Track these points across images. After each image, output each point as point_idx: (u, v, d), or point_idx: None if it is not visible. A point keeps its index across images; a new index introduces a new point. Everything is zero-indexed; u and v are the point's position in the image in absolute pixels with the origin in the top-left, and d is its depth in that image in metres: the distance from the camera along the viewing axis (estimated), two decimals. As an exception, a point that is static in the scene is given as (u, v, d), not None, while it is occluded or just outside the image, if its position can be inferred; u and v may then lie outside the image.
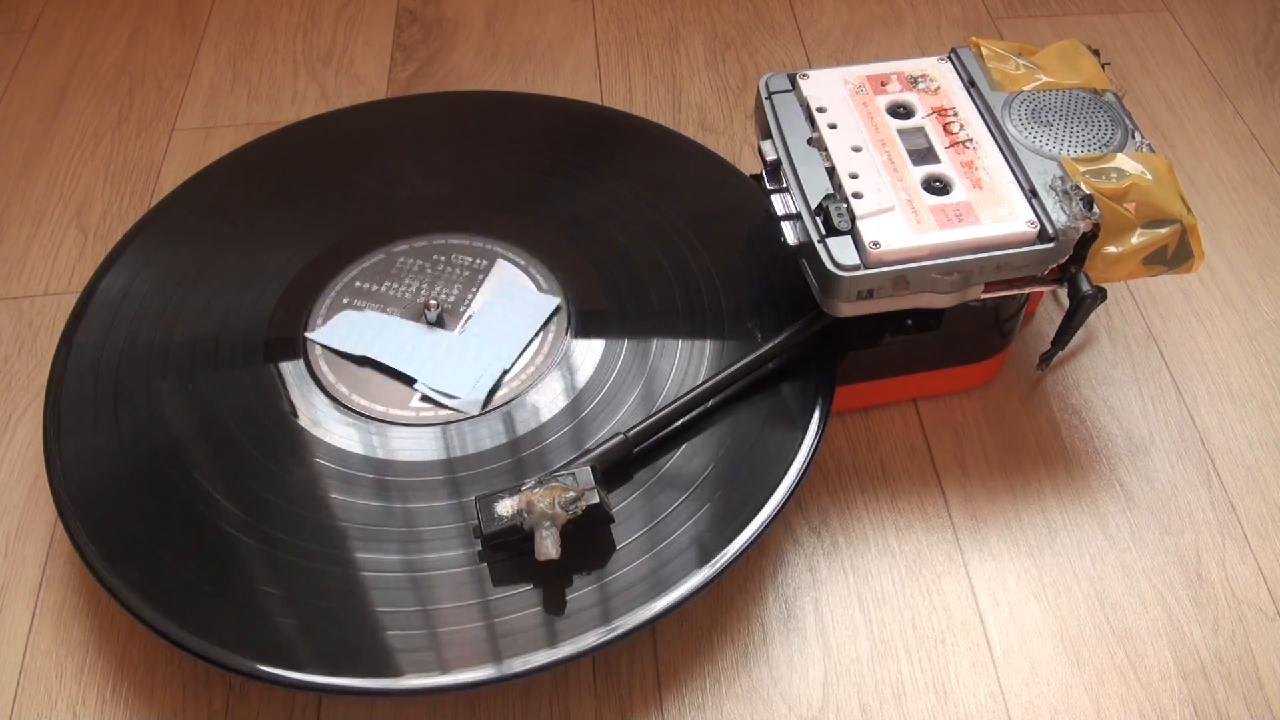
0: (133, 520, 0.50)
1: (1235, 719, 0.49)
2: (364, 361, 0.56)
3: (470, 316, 0.57)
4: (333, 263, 0.60)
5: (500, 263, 0.59)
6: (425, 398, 0.54)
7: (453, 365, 0.55)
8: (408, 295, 0.59)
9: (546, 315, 0.57)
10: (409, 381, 0.55)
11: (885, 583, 0.53)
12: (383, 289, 0.59)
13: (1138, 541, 0.55)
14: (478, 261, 0.60)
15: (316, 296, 0.59)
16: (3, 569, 0.54)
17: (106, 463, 0.52)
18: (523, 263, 0.60)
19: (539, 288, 0.59)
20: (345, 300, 0.58)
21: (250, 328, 0.57)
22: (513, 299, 0.58)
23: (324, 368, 0.56)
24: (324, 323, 0.57)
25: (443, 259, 0.60)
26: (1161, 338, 0.64)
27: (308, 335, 0.56)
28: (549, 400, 0.54)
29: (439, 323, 0.57)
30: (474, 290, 0.59)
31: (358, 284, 0.59)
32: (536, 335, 0.56)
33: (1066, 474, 0.57)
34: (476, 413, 0.54)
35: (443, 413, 0.54)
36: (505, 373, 0.55)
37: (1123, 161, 0.52)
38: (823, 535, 0.55)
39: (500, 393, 0.55)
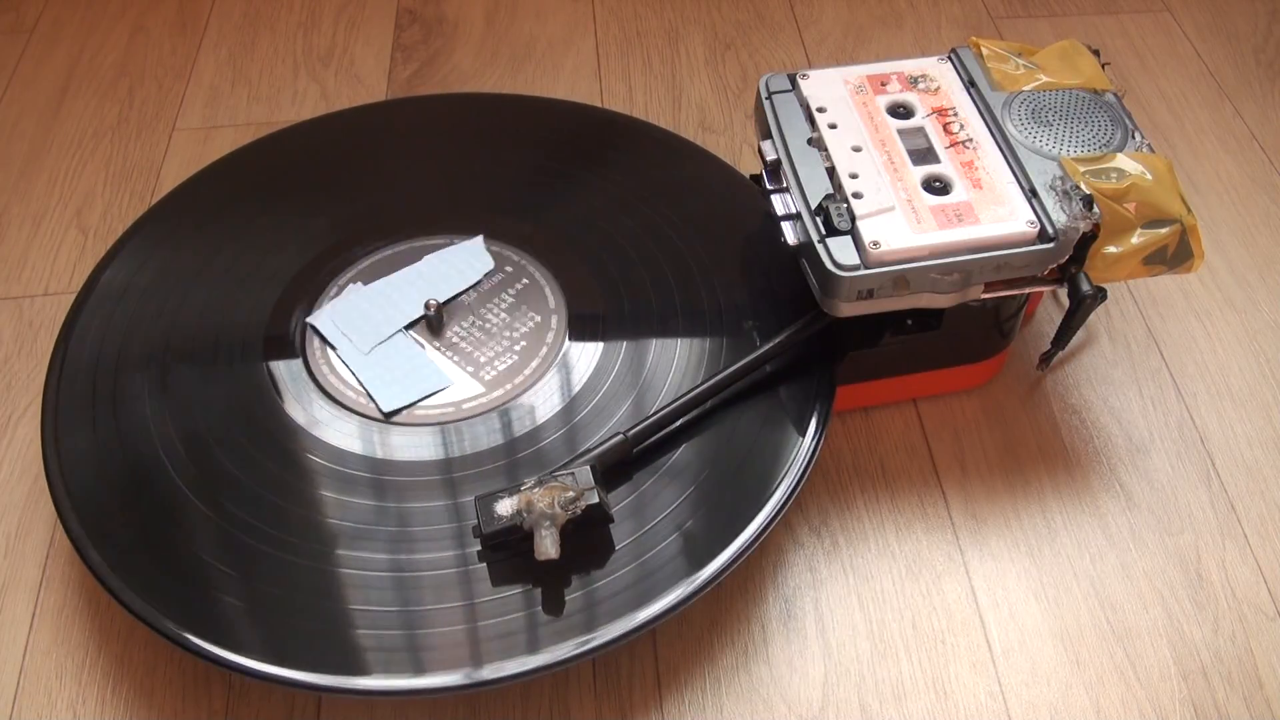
0: (133, 520, 0.50)
1: (1235, 719, 0.49)
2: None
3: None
4: (331, 263, 0.60)
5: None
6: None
7: (399, 373, 0.55)
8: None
9: (482, 253, 0.59)
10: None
11: (885, 583, 0.53)
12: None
13: (1138, 541, 0.55)
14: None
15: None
16: (3, 569, 0.54)
17: (106, 463, 0.52)
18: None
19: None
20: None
21: (249, 327, 0.57)
22: (446, 260, 0.59)
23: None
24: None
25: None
26: (1161, 338, 0.64)
27: (309, 320, 0.57)
28: (547, 400, 0.54)
29: (439, 322, 0.57)
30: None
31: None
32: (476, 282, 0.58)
33: (1066, 474, 0.57)
34: (386, 409, 0.54)
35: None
36: (429, 396, 0.55)
37: (1123, 161, 0.52)
38: (823, 535, 0.55)
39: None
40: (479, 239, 0.60)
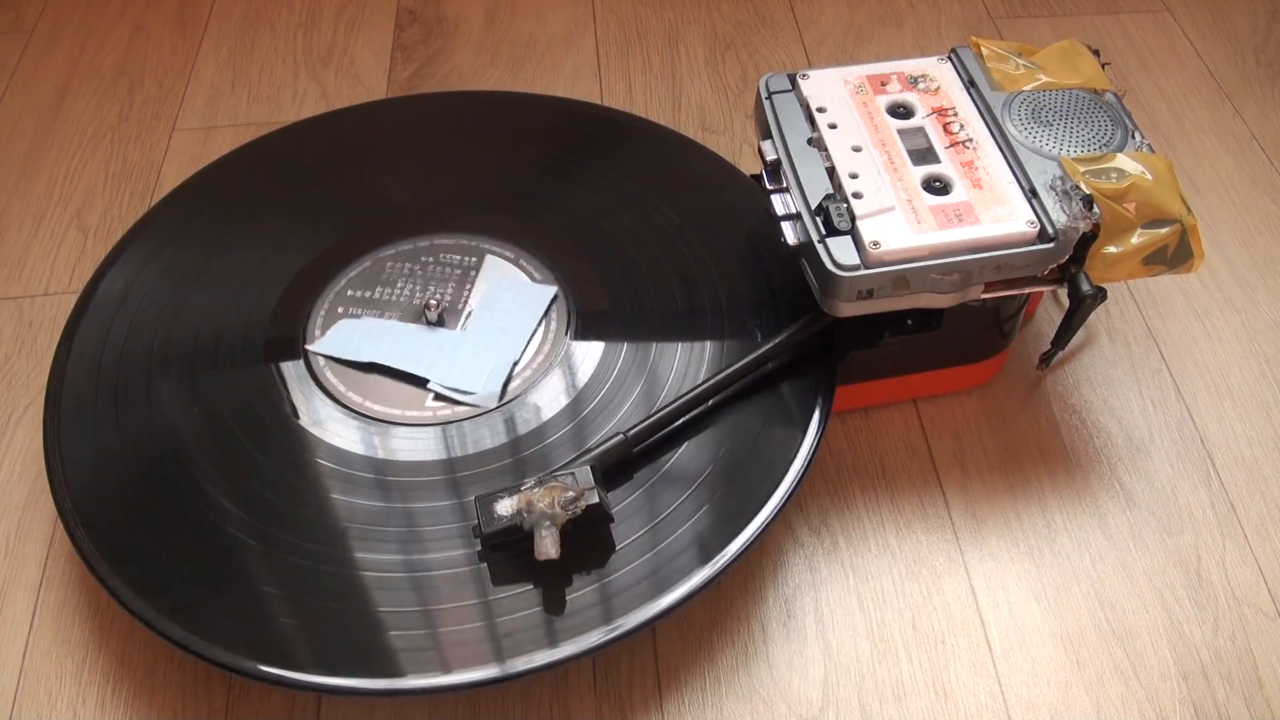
0: (133, 520, 0.50)
1: (1235, 719, 0.49)
2: (369, 366, 0.56)
3: (470, 313, 0.57)
4: (334, 262, 0.60)
5: (490, 258, 0.59)
6: (439, 396, 0.54)
7: (463, 362, 0.55)
8: (407, 296, 0.59)
9: (546, 304, 0.57)
10: (420, 382, 0.55)
11: (885, 583, 0.53)
12: (383, 290, 0.59)
13: (1138, 541, 0.55)
14: (476, 260, 0.60)
15: (318, 296, 0.59)
16: (3, 569, 0.54)
17: (106, 462, 0.52)
18: (513, 256, 0.60)
19: (532, 279, 0.59)
20: (349, 292, 0.58)
21: (250, 327, 0.57)
22: (509, 291, 0.58)
23: (323, 367, 0.56)
24: (322, 333, 0.57)
25: (442, 259, 0.60)
26: (1161, 338, 0.64)
27: (309, 348, 0.56)
28: (549, 400, 0.54)
29: (439, 322, 0.57)
30: (468, 288, 0.59)
31: (359, 285, 0.59)
32: (539, 324, 0.56)
33: (1066, 474, 0.57)
34: (494, 405, 0.54)
35: (442, 413, 0.54)
36: (515, 364, 0.55)
37: (1123, 161, 0.52)
38: (823, 535, 0.55)
39: (512, 385, 0.55)
40: (552, 289, 0.58)
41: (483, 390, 0.54)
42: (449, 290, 0.59)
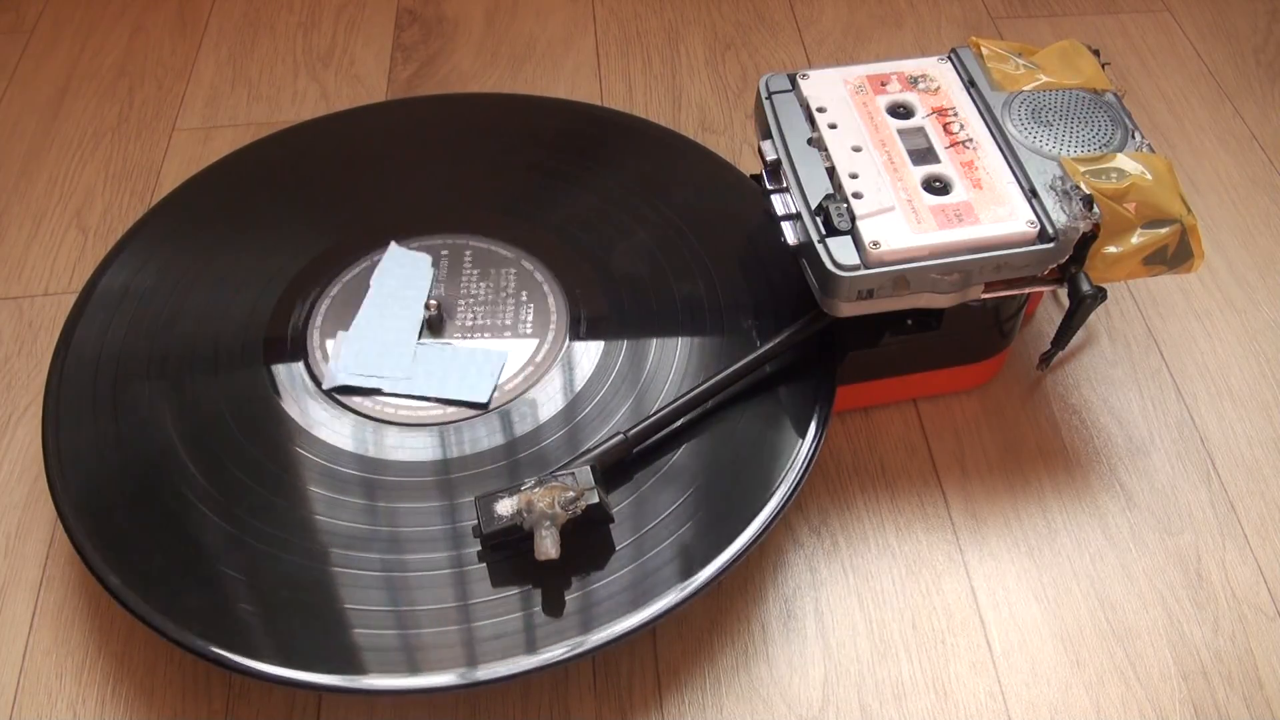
0: (133, 520, 0.50)
1: (1235, 719, 0.49)
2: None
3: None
4: (332, 263, 0.60)
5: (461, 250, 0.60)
6: (440, 399, 0.55)
7: (459, 372, 0.55)
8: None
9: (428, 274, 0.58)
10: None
11: (885, 583, 0.53)
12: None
13: (1138, 541, 0.55)
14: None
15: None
16: (3, 569, 0.54)
17: (106, 463, 0.52)
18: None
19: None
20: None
21: (249, 328, 0.57)
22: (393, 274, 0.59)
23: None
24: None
25: (440, 259, 0.60)
26: (1161, 338, 0.64)
27: (325, 388, 0.55)
28: (548, 400, 0.54)
29: (439, 322, 0.57)
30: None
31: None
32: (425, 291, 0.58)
33: (1066, 474, 0.57)
34: (484, 399, 0.54)
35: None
36: (504, 363, 0.55)
37: (1123, 161, 0.52)
38: (823, 535, 0.55)
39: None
40: (392, 246, 0.60)
41: (470, 396, 0.54)
42: (444, 291, 0.59)
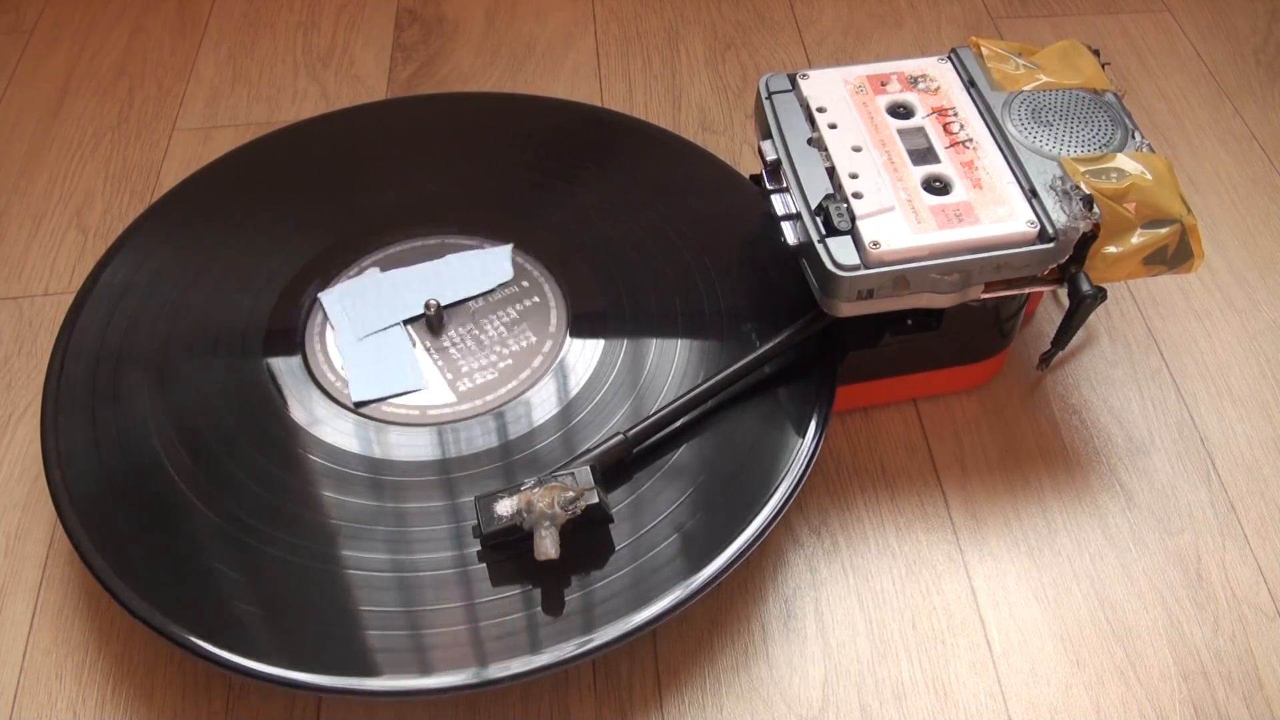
0: (132, 520, 0.50)
1: (1235, 719, 0.49)
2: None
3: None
4: (331, 263, 0.60)
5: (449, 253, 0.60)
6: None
7: (381, 366, 0.55)
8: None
9: (507, 263, 0.59)
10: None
11: (885, 583, 0.53)
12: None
13: (1138, 541, 0.55)
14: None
15: (316, 296, 0.59)
16: (3, 569, 0.54)
17: (106, 462, 0.52)
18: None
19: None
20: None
21: (249, 327, 0.57)
22: (466, 265, 0.60)
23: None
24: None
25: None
26: (1161, 338, 0.64)
27: (320, 296, 0.58)
28: (547, 401, 0.54)
29: (437, 322, 0.57)
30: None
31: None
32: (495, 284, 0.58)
33: (1066, 474, 0.57)
34: (355, 399, 0.54)
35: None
36: (411, 391, 0.55)
37: (1123, 161, 0.52)
38: (823, 535, 0.55)
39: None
40: (507, 247, 0.60)
41: (354, 395, 0.54)
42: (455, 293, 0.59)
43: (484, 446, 0.53)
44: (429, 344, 0.56)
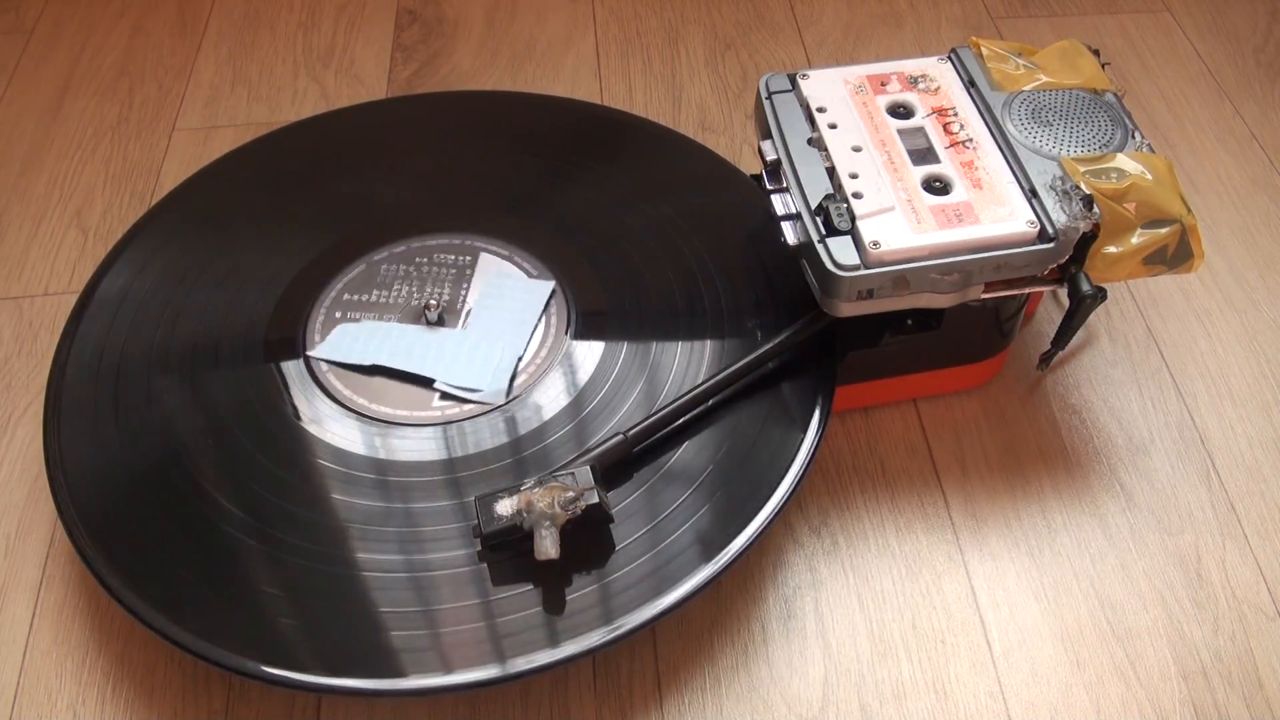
0: (133, 520, 0.50)
1: (1235, 719, 0.49)
2: (371, 368, 0.55)
3: (469, 311, 0.57)
4: (335, 262, 0.60)
5: (484, 256, 0.59)
6: (446, 395, 0.54)
7: (466, 359, 0.55)
8: (405, 296, 0.59)
9: (545, 298, 0.57)
10: (425, 382, 0.55)
11: (885, 583, 0.53)
12: (383, 291, 0.59)
13: (1138, 541, 0.55)
14: (471, 260, 0.60)
15: (318, 296, 0.59)
16: (3, 569, 0.54)
17: (106, 462, 0.52)
18: (509, 255, 0.60)
19: (528, 274, 0.59)
20: (347, 296, 0.58)
21: (250, 327, 0.57)
22: (508, 288, 0.58)
23: (324, 368, 0.56)
24: (321, 337, 0.56)
25: (439, 259, 0.60)
26: (1161, 338, 0.64)
27: (310, 354, 0.56)
28: (549, 400, 0.54)
29: (439, 322, 0.57)
30: (464, 287, 0.59)
31: (358, 286, 0.59)
32: (540, 319, 0.57)
33: (1066, 474, 0.57)
34: (502, 401, 0.54)
35: (443, 412, 0.54)
36: (520, 359, 0.55)
37: (1123, 161, 0.52)
38: (823, 535, 0.55)
39: (531, 370, 0.55)
40: (550, 283, 0.58)
41: (490, 387, 0.54)
42: (446, 290, 0.59)
43: (488, 445, 0.53)
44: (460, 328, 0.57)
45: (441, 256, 0.60)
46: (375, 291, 0.59)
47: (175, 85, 0.79)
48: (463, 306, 0.58)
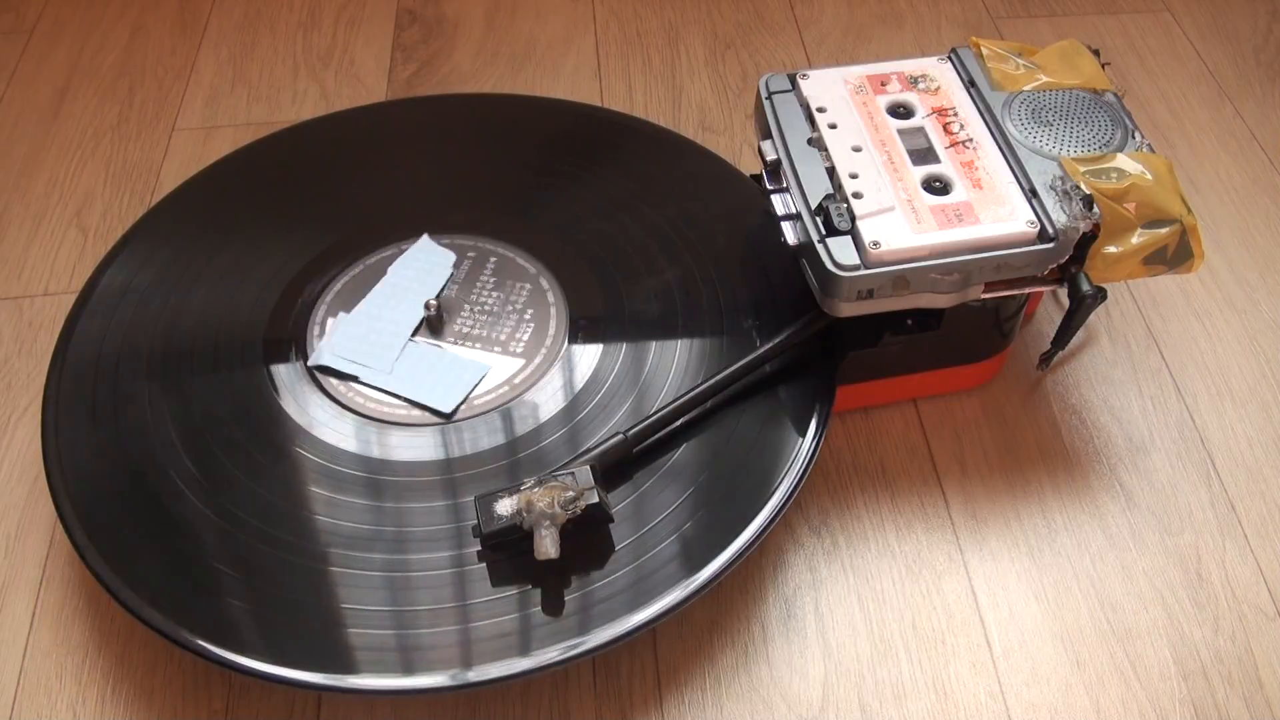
0: (133, 520, 0.50)
1: (1235, 719, 0.49)
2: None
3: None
4: (333, 262, 0.60)
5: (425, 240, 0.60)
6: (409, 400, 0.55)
7: (436, 377, 0.55)
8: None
9: (443, 256, 0.59)
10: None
11: (885, 583, 0.53)
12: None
13: (1138, 541, 0.55)
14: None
15: (317, 296, 0.59)
16: (3, 569, 0.54)
17: (106, 463, 0.52)
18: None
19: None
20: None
21: (249, 327, 0.57)
22: (410, 259, 0.59)
23: (318, 345, 0.56)
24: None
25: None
26: (1161, 338, 0.64)
27: (311, 363, 0.56)
28: (547, 400, 0.54)
29: (439, 321, 0.57)
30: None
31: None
32: (447, 283, 0.58)
33: (1066, 474, 0.57)
34: (449, 410, 0.54)
35: (498, 395, 0.54)
36: (483, 377, 0.55)
37: (1123, 161, 0.52)
38: (823, 535, 0.55)
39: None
40: (424, 238, 0.60)
41: (443, 407, 0.54)
42: (454, 293, 0.59)
43: (486, 446, 0.53)
44: (449, 339, 0.56)
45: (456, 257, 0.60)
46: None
47: (175, 85, 0.79)
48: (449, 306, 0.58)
